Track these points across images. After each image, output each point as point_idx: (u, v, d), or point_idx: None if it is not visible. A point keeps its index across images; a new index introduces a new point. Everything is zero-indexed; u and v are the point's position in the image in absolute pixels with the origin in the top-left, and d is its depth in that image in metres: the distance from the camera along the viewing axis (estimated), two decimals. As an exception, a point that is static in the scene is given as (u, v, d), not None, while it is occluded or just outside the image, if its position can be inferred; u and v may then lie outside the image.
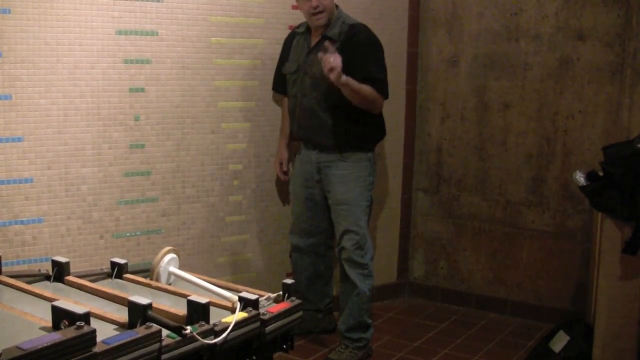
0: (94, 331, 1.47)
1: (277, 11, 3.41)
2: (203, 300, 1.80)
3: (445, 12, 3.93)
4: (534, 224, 3.77)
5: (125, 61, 2.97)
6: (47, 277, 2.16)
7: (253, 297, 1.91)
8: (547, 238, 3.75)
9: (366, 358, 3.24)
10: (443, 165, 4.04)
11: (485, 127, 3.88)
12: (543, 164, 3.72)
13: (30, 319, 1.70)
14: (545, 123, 3.70)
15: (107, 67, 2.92)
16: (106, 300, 1.97)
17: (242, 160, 3.38)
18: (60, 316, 1.55)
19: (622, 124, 3.41)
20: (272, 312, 1.91)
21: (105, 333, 1.59)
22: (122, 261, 2.25)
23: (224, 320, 1.80)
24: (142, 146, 3.06)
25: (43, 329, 1.61)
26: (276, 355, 2.03)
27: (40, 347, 1.37)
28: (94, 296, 2.01)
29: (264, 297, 2.00)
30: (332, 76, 2.83)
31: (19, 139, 2.75)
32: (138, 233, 3.09)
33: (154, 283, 2.17)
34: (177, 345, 1.64)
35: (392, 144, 3.89)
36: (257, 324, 1.86)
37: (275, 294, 2.05)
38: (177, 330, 1.65)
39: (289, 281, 2.09)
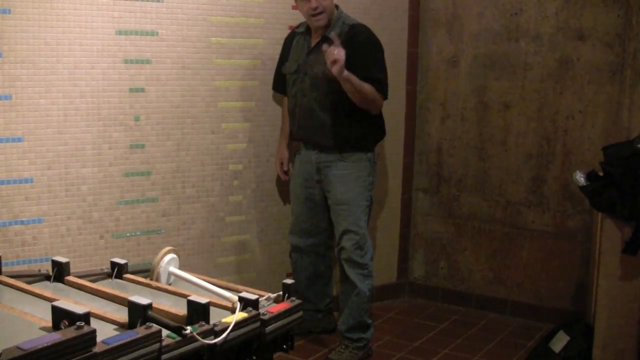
0: (94, 331, 1.47)
1: (277, 11, 3.41)
2: (203, 300, 1.80)
3: (445, 12, 3.93)
4: (534, 224, 3.77)
5: (125, 61, 2.97)
6: (47, 277, 2.16)
7: (253, 297, 1.91)
8: (547, 238, 3.75)
9: (366, 358, 3.24)
10: (443, 166, 4.03)
11: (485, 127, 3.88)
12: (543, 164, 3.72)
13: (30, 319, 1.70)
14: (545, 123, 3.70)
15: (107, 67, 2.92)
16: (106, 301, 1.97)
17: (242, 160, 3.38)
18: (60, 316, 1.55)
19: (622, 124, 3.41)
20: (272, 312, 1.91)
21: (105, 333, 1.59)
22: (122, 261, 2.25)
23: (224, 320, 1.79)
24: (142, 146, 3.06)
25: (43, 329, 1.61)
26: (276, 355, 2.03)
27: (40, 347, 1.37)
28: (94, 296, 2.01)
29: (264, 297, 2.00)
30: (335, 69, 2.82)
31: (19, 139, 2.75)
32: (138, 233, 3.09)
33: (154, 283, 2.17)
34: (177, 345, 1.64)
35: (392, 144, 3.89)
36: (257, 324, 1.86)
37: (275, 294, 2.05)
38: (177, 330, 1.65)
39: (289, 281, 2.09)
